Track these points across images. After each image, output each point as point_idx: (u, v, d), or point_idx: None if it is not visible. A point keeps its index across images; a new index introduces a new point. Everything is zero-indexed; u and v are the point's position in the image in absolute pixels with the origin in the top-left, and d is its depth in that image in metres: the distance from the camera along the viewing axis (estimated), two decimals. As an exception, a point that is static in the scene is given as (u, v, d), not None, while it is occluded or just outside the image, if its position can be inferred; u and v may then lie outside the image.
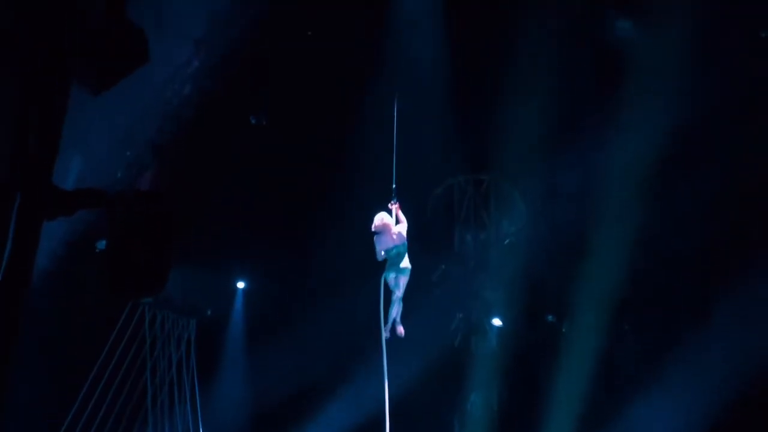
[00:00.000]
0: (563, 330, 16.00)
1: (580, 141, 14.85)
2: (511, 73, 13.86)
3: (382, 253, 10.48)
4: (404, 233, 10.50)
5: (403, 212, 10.76)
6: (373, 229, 10.44)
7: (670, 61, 13.31)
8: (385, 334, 10.49)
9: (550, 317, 16.30)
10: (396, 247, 10.41)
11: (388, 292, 10.60)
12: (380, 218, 10.44)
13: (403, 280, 10.46)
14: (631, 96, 13.99)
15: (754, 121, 13.91)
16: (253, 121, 15.36)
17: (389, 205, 10.66)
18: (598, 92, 14.38)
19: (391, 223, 10.48)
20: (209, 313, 17.50)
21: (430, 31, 14.49)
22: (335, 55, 14.51)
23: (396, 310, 10.53)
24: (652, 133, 13.89)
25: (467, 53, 14.41)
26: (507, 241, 16.39)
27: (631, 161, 14.42)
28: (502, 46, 13.80)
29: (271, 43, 14.28)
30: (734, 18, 13.36)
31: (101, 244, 14.07)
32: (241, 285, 17.77)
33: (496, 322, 16.39)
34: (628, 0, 14.16)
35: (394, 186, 10.78)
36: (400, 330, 10.55)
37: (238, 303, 17.73)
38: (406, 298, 10.77)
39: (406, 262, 10.42)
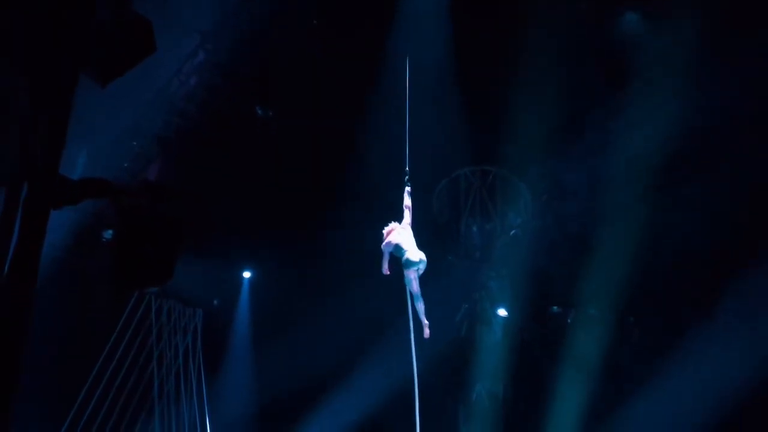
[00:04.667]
0: (568, 321, 16.03)
1: (587, 135, 14.82)
2: (518, 66, 13.83)
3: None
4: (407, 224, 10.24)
5: (411, 203, 10.59)
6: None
7: (678, 58, 13.24)
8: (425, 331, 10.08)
9: (555, 308, 16.32)
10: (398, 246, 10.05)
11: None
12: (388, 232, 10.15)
13: (412, 274, 9.82)
14: (639, 91, 13.95)
15: (763, 118, 13.84)
16: (259, 113, 15.34)
17: (407, 190, 10.28)
18: (606, 87, 14.34)
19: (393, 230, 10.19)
20: (216, 303, 17.52)
21: (438, 26, 14.47)
22: (343, 44, 14.51)
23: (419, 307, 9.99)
24: (659, 130, 13.85)
25: (475, 48, 14.38)
26: (513, 233, 16.39)
27: (639, 156, 14.38)
28: (511, 41, 13.76)
29: (278, 34, 14.26)
30: (744, 14, 13.26)
31: (108, 234, 14.14)
32: (247, 275, 17.79)
33: (502, 312, 16.41)
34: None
35: (407, 169, 10.42)
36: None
37: (245, 293, 17.74)
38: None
39: (412, 255, 9.84)
